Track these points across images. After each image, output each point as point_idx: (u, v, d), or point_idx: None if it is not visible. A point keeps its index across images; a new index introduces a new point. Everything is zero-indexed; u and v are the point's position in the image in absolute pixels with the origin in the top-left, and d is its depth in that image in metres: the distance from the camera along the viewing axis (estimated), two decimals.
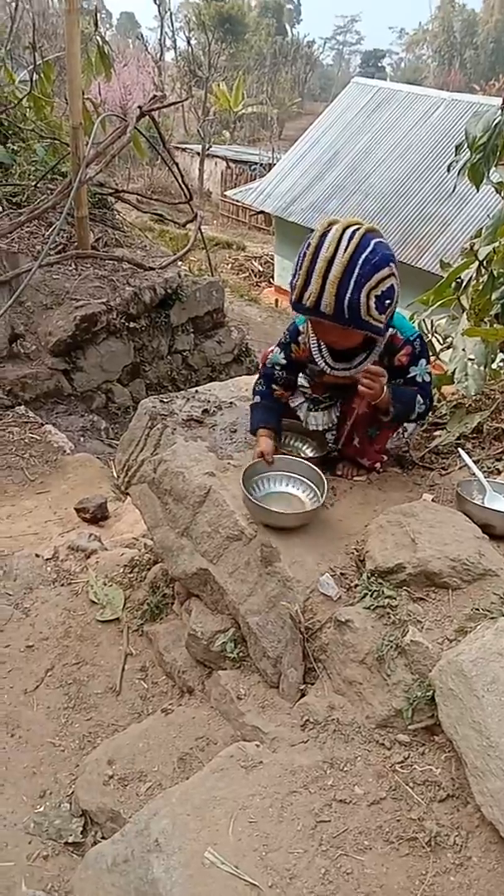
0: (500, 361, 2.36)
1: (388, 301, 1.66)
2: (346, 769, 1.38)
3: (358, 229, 1.64)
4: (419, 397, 1.84)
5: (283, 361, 1.99)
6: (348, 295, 1.61)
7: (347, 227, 1.64)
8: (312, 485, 1.87)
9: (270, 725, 1.59)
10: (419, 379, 1.85)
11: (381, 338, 1.77)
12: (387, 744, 1.41)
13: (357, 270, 1.60)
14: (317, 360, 1.86)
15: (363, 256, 1.60)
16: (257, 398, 2.06)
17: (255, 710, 1.67)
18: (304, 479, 1.89)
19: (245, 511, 1.83)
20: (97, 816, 1.68)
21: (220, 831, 1.27)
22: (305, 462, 1.92)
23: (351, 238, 1.62)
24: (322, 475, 1.85)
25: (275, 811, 1.31)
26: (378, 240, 1.65)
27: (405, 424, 1.94)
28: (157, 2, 32.08)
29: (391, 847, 1.25)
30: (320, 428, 1.97)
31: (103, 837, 1.64)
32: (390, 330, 1.78)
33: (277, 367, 2.00)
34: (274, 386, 2.03)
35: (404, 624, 1.48)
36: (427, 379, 1.86)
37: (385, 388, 1.75)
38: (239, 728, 1.68)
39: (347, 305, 1.62)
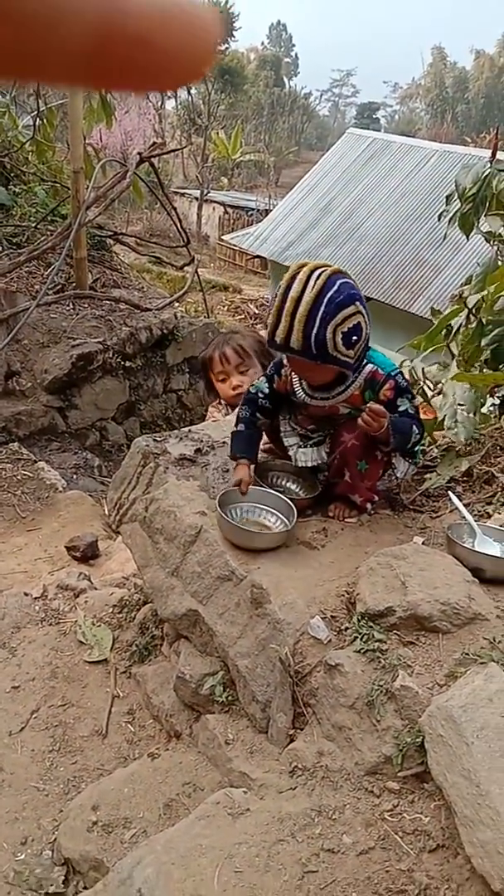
0: (490, 406, 2.39)
1: (354, 337, 1.75)
2: (334, 817, 1.36)
3: (324, 271, 1.74)
4: (415, 427, 1.88)
5: (266, 390, 2.06)
6: (314, 332, 1.70)
7: (315, 269, 1.75)
8: (282, 515, 1.93)
9: (258, 771, 1.56)
10: (410, 411, 1.90)
11: (351, 372, 1.84)
12: (376, 791, 1.39)
13: (322, 308, 1.69)
14: (297, 391, 1.95)
15: (328, 295, 1.70)
16: (241, 426, 2.10)
17: (243, 756, 1.64)
18: (274, 511, 1.96)
19: (236, 552, 1.83)
20: (80, 865, 1.64)
21: (205, 881, 1.24)
22: (276, 494, 1.97)
23: (317, 279, 1.72)
24: (292, 505, 1.91)
25: (261, 860, 1.28)
26: (344, 280, 1.75)
27: (395, 464, 1.97)
28: None
29: None
30: (309, 464, 2.01)
31: (85, 887, 1.59)
32: (369, 366, 1.87)
33: (261, 395, 2.06)
34: (258, 414, 2.08)
35: (394, 668, 1.47)
36: (413, 411, 1.91)
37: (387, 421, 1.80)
38: (226, 774, 1.65)
39: (314, 342, 1.71)
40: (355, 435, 1.89)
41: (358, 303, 1.74)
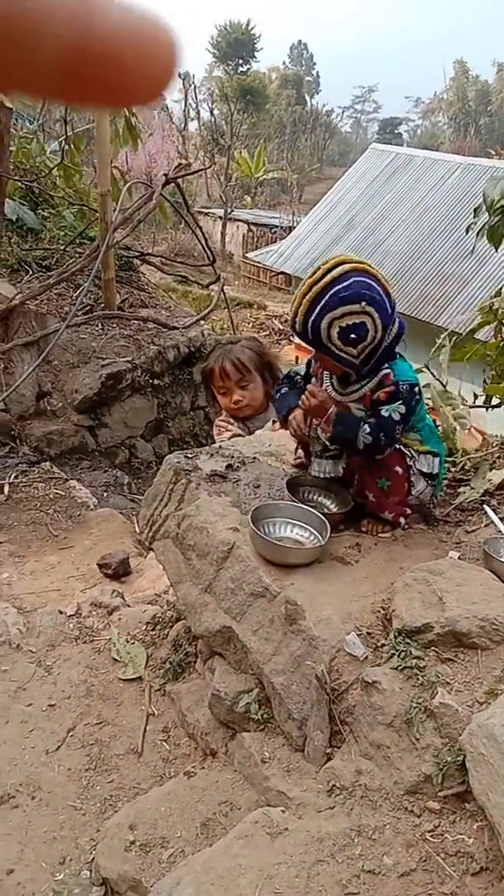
0: None
1: (353, 335, 1.80)
2: (374, 837, 1.34)
3: (346, 266, 1.80)
4: (366, 426, 1.86)
5: (303, 371, 2.17)
6: (312, 318, 1.80)
7: (342, 262, 1.81)
8: (315, 531, 1.93)
9: (296, 790, 1.55)
10: (384, 413, 1.87)
11: (354, 371, 1.90)
12: (416, 811, 1.37)
13: (325, 299, 1.78)
14: (324, 379, 2.03)
15: (335, 288, 1.78)
16: (284, 389, 2.20)
17: (280, 775, 1.63)
18: (307, 526, 1.95)
19: (270, 567, 1.83)
20: (118, 885, 1.63)
21: None
22: (309, 509, 1.97)
23: (336, 271, 1.79)
24: (325, 520, 1.90)
25: (301, 882, 1.26)
26: (359, 279, 1.79)
27: (413, 481, 1.95)
28: (182, 76, 33.69)
29: None
30: (322, 475, 2.07)
31: None
32: (386, 371, 1.89)
33: (298, 376, 2.18)
34: (297, 378, 2.18)
35: (433, 685, 1.45)
36: (395, 417, 1.86)
37: (332, 409, 1.89)
38: (263, 793, 1.64)
39: (311, 328, 1.81)
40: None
41: (365, 304, 1.78)
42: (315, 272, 1.83)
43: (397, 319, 1.88)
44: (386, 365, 1.89)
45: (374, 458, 1.91)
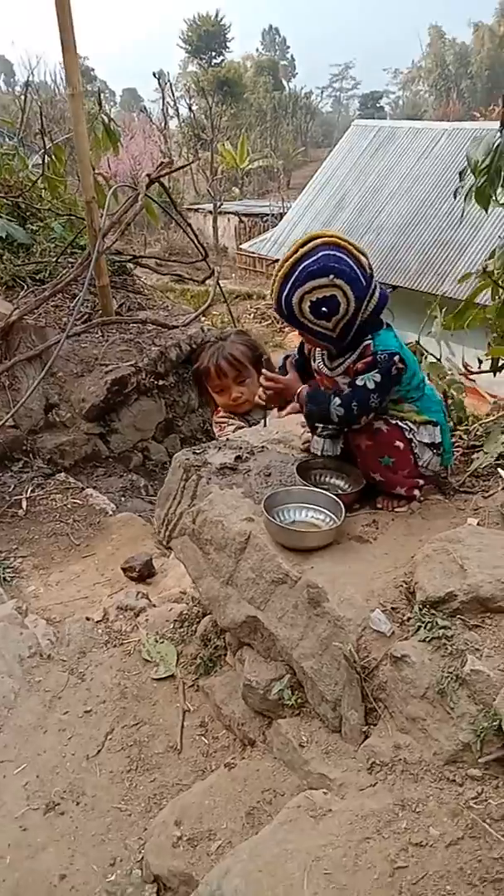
0: None
1: (324, 309, 1.81)
2: (418, 810, 1.34)
3: (316, 241, 1.80)
4: (336, 399, 1.88)
5: (297, 352, 2.20)
6: (284, 294, 1.83)
7: (313, 238, 1.82)
8: (330, 512, 1.92)
9: (336, 771, 1.54)
10: (359, 383, 1.87)
11: (333, 345, 1.91)
12: (458, 780, 1.36)
13: (295, 274, 1.79)
14: (315, 356, 2.04)
15: (304, 263, 1.79)
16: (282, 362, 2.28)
17: (319, 757, 1.63)
18: (321, 508, 1.94)
19: (288, 553, 1.82)
20: (170, 881, 1.64)
21: (294, 886, 1.23)
22: (321, 492, 1.96)
23: (306, 247, 1.80)
24: (338, 501, 1.90)
25: (349, 860, 1.26)
26: (328, 252, 1.79)
27: (419, 453, 1.94)
28: (157, 75, 33.57)
29: (475, 890, 1.19)
30: (320, 453, 2.07)
31: None
32: (367, 340, 1.89)
33: (295, 356, 2.20)
34: (295, 360, 2.20)
35: (462, 653, 1.44)
36: (370, 386, 1.85)
37: (303, 388, 1.99)
38: (304, 777, 1.64)
39: (284, 303, 1.84)
40: (360, 436, 1.94)
41: (334, 276, 1.77)
42: (289, 250, 1.83)
43: (377, 291, 1.87)
44: (369, 336, 1.89)
45: (352, 429, 1.92)
